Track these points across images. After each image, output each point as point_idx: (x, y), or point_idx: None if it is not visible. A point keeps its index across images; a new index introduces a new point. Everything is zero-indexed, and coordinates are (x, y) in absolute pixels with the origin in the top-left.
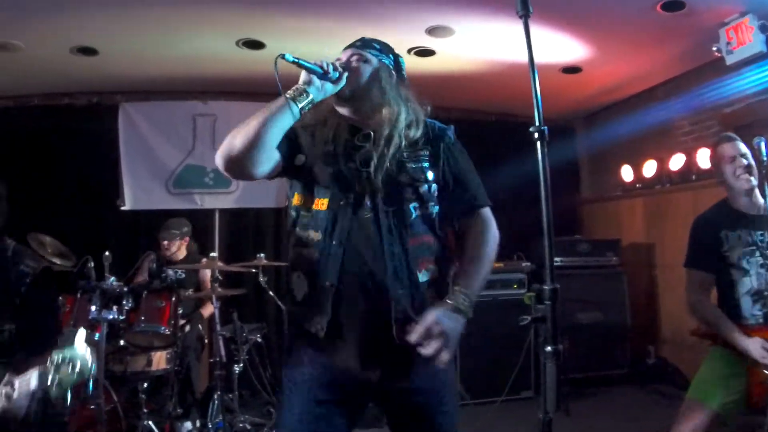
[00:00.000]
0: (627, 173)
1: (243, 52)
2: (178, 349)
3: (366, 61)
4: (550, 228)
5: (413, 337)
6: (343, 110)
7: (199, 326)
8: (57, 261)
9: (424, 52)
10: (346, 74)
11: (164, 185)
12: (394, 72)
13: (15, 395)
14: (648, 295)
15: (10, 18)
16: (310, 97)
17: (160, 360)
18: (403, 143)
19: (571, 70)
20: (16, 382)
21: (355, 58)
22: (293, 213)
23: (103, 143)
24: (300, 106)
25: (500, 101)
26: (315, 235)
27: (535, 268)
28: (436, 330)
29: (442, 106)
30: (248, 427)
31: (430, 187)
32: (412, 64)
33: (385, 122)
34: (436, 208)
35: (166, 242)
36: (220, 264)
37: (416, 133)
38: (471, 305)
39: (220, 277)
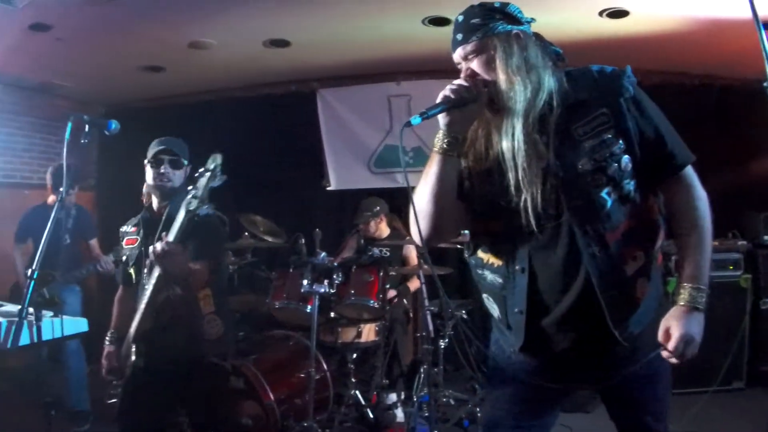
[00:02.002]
0: None
1: (430, 30)
2: (386, 322)
3: (491, 51)
4: None
5: (664, 353)
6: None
7: (405, 300)
8: (269, 238)
9: (617, 13)
10: (483, 85)
11: (366, 165)
12: (520, 33)
13: None
14: None
15: (200, 17)
16: (460, 136)
17: (369, 332)
18: (564, 117)
19: None
20: None
21: (480, 62)
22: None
23: (305, 128)
24: (456, 152)
25: (703, 62)
26: (495, 261)
27: (751, 247)
28: (686, 348)
29: (640, 69)
30: (452, 402)
31: (620, 163)
32: (605, 26)
33: (540, 97)
34: (633, 182)
35: (362, 225)
36: None
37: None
38: (707, 296)
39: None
